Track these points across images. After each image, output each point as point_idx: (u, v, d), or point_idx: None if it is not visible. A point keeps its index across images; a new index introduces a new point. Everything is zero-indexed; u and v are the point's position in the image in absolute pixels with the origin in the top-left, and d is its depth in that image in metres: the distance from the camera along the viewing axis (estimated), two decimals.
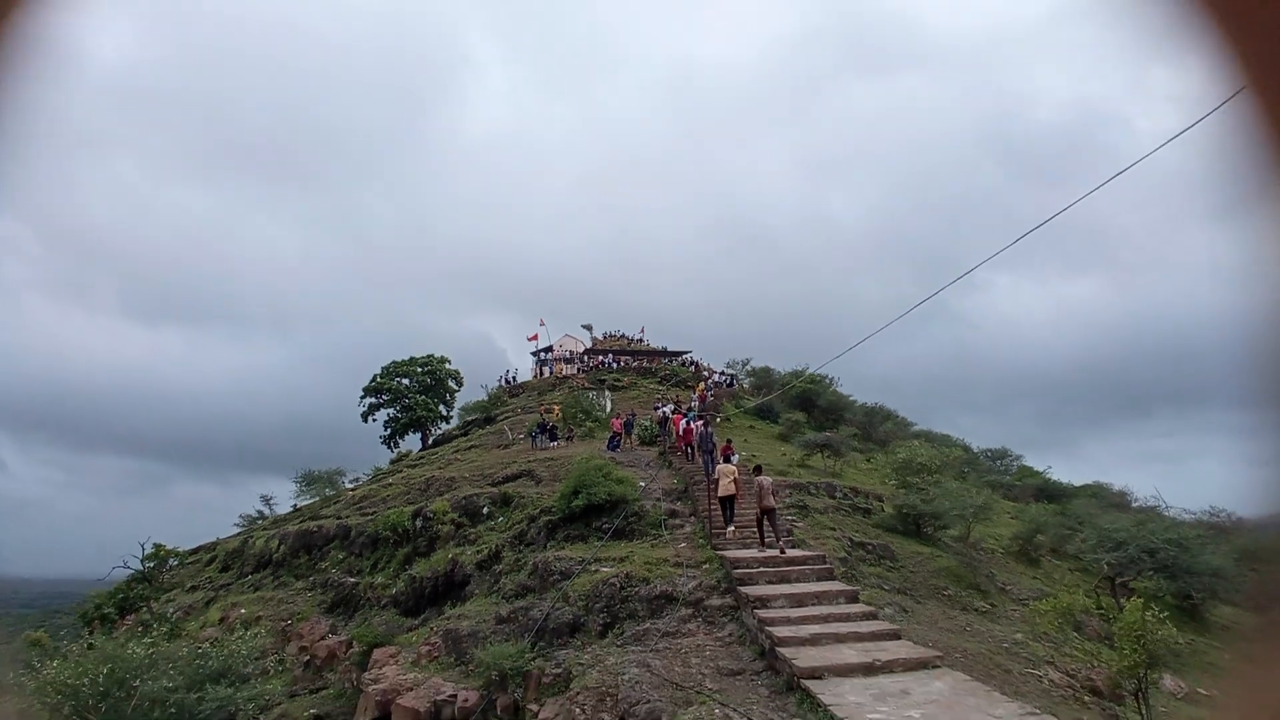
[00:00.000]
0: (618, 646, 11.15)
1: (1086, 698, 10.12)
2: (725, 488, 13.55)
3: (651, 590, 12.16)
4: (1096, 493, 27.82)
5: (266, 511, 34.33)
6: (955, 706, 7.68)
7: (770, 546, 12.73)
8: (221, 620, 19.68)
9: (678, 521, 15.36)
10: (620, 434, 23.81)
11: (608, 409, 31.48)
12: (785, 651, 9.30)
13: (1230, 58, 0.98)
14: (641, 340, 52.47)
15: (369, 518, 22.10)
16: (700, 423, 19.41)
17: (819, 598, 11.03)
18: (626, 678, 9.73)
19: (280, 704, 15.08)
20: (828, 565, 12.37)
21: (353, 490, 30.33)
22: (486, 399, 41.81)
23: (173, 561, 26.75)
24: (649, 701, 9.05)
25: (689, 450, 19.46)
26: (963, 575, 14.37)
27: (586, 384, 39.32)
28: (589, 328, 51.80)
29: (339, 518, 24.20)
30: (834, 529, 15.34)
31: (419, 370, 46.82)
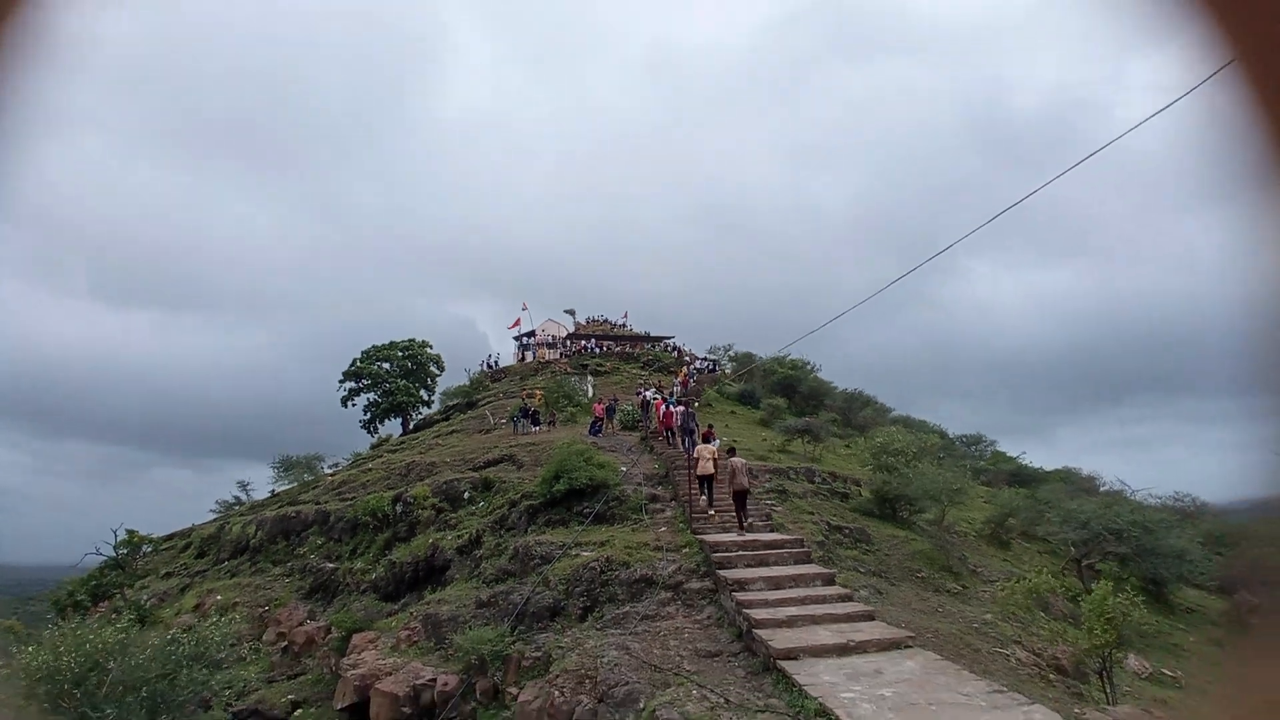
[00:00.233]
0: (597, 630, 11.24)
1: (1052, 676, 10.42)
2: (704, 467, 13.73)
3: (631, 574, 12.24)
4: (1066, 478, 28.55)
5: (243, 497, 33.96)
6: (926, 685, 7.86)
7: (746, 530, 12.89)
8: (197, 607, 19.47)
9: (658, 506, 15.45)
10: (602, 419, 23.83)
11: (590, 394, 31.46)
12: (762, 633, 9.44)
13: (1220, 29, 0.96)
14: (624, 325, 52.40)
15: (348, 503, 21.93)
16: (681, 407, 19.49)
17: (796, 580, 11.19)
18: (606, 660, 9.82)
19: (257, 690, 15.02)
20: (805, 549, 12.54)
21: (332, 475, 30.06)
22: (468, 384, 41.61)
23: (146, 548, 26.32)
24: (628, 683, 9.14)
25: (670, 435, 19.55)
26: (936, 558, 14.67)
27: (569, 369, 39.23)
28: (572, 312, 51.63)
29: (318, 503, 23.98)
30: (812, 513, 15.55)
31: (400, 354, 46.36)
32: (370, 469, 26.87)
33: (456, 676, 11.18)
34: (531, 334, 48.90)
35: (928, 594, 12.91)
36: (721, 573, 11.48)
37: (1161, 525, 16.58)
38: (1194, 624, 16.59)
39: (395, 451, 30.60)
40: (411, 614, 13.96)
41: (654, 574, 12.14)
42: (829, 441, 24.07)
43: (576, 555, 13.23)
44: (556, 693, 9.55)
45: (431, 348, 47.92)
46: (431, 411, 43.20)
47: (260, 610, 19.22)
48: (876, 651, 9.03)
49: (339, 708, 12.47)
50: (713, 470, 13.74)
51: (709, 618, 11.06)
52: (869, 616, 10.19)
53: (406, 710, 11.10)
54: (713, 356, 43.84)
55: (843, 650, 8.96)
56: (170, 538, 28.48)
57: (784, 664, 8.65)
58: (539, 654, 10.90)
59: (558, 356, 44.35)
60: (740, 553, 12.14)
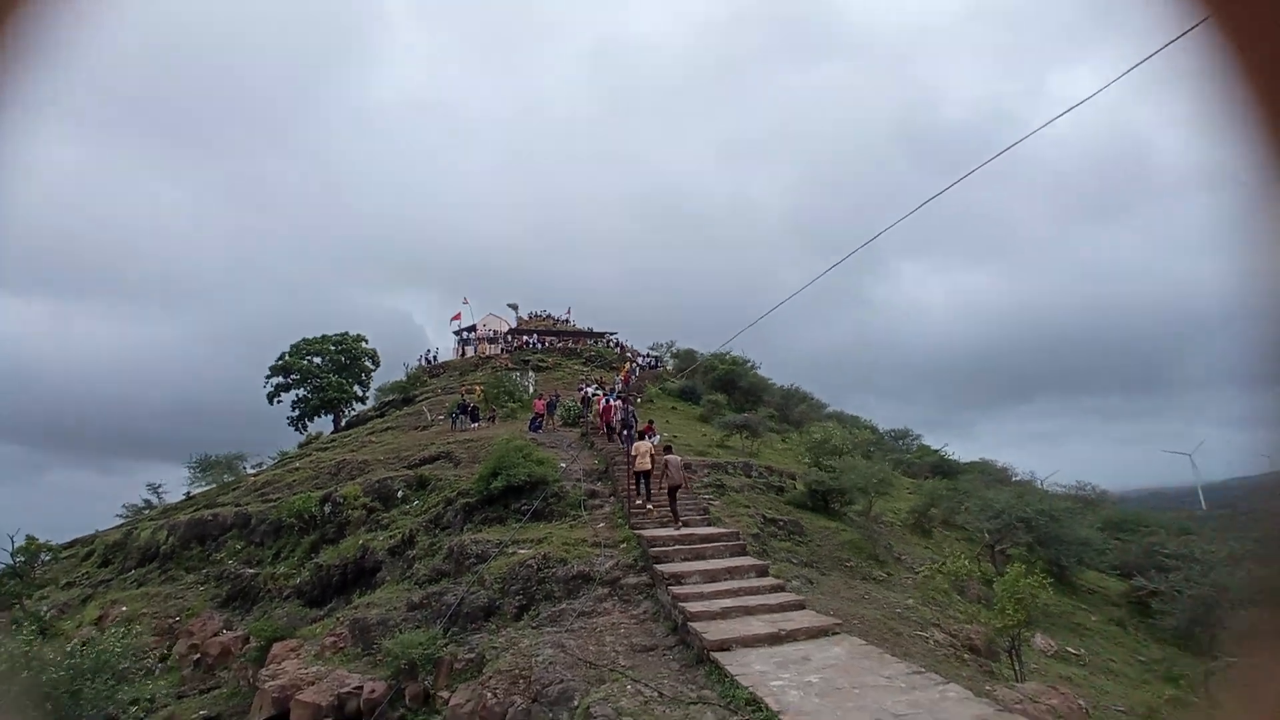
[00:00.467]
0: (533, 628, 11.10)
1: (966, 655, 11.02)
2: (641, 463, 13.81)
3: (569, 571, 12.16)
4: (983, 469, 30.28)
5: (155, 500, 31.85)
6: (850, 669, 8.16)
7: (683, 525, 13.04)
8: (100, 619, 18.09)
9: (597, 502, 15.41)
10: (543, 415, 23.57)
11: (531, 390, 31.04)
12: (697, 626, 9.56)
13: None
14: (567, 321, 51.95)
15: (272, 504, 20.86)
16: (620, 402, 19.52)
17: (731, 573, 11.38)
18: (540, 659, 9.70)
19: (167, 705, 14.13)
20: (741, 541, 12.78)
21: (255, 476, 28.53)
22: (405, 379, 40.35)
23: (45, 556, 24.26)
24: (562, 681, 9.07)
25: (611, 431, 19.54)
26: (864, 547, 15.25)
27: (510, 364, 38.59)
28: (514, 307, 50.79)
29: (238, 505, 22.71)
30: (748, 506, 15.87)
31: (333, 349, 44.47)
32: (297, 468, 25.64)
33: (384, 683, 10.80)
34: (472, 328, 47.82)
35: (855, 582, 13.41)
36: (658, 567, 11.55)
37: (1066, 514, 17.82)
38: (1095, 605, 17.90)
39: (325, 450, 29.31)
40: (338, 619, 13.39)
41: (591, 570, 12.09)
42: (766, 437, 24.62)
43: (513, 553, 13.02)
44: (489, 694, 9.37)
45: (367, 342, 46.22)
46: (366, 408, 41.65)
47: (171, 621, 18.07)
48: (806, 639, 9.29)
49: None
50: (649, 466, 13.84)
51: (645, 612, 11.11)
52: (800, 606, 10.47)
53: None
54: (655, 353, 44.10)
55: (774, 639, 9.17)
56: (71, 545, 26.34)
57: (717, 655, 8.78)
58: (472, 655, 10.66)
59: (499, 352, 43.55)
60: (677, 547, 12.26)
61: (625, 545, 12.89)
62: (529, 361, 39.19)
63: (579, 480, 16.36)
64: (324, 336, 44.83)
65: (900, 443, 35.71)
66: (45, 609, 20.00)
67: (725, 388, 32.35)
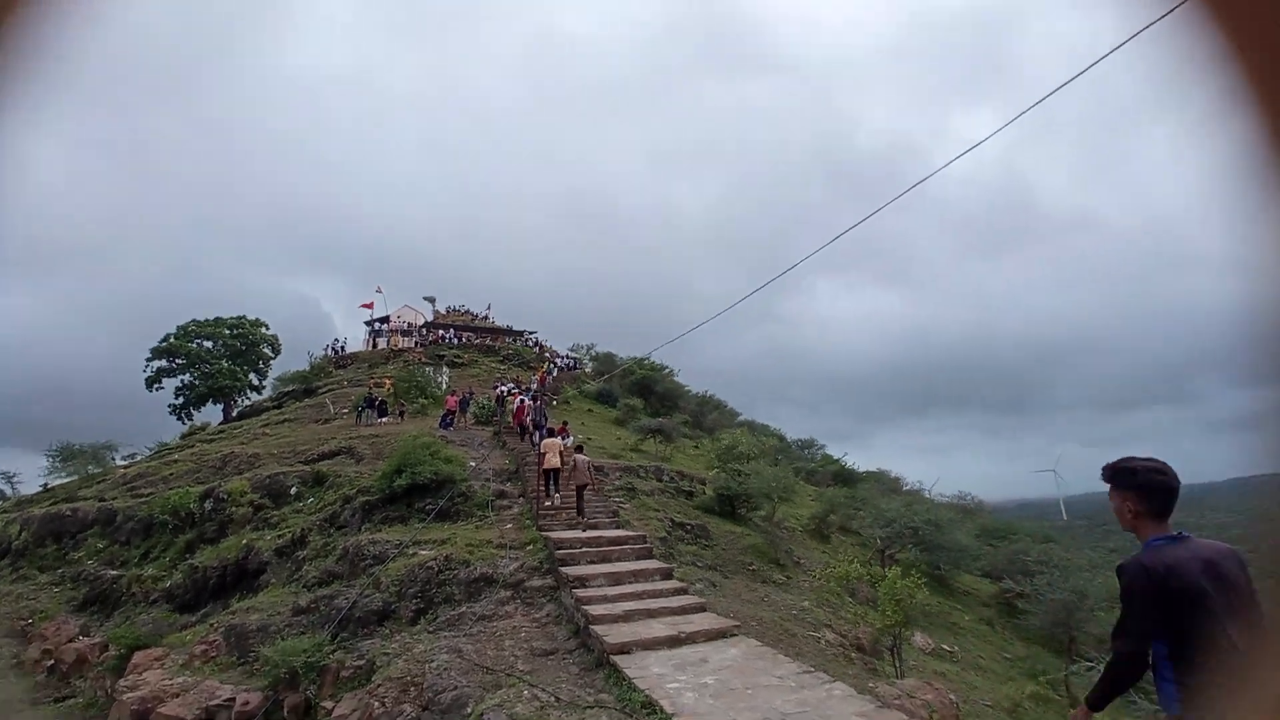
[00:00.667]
0: (429, 633, 10.69)
1: (854, 655, 11.63)
2: (550, 461, 13.73)
3: (471, 573, 11.82)
4: (879, 479, 32.19)
5: (7, 491, 28.35)
6: (745, 670, 8.41)
7: (591, 527, 13.02)
8: None
9: (506, 503, 15.09)
10: (454, 412, 22.88)
11: (444, 385, 30.06)
12: (598, 629, 9.54)
13: None
14: (487, 318, 50.78)
15: (143, 500, 19.01)
16: (531, 399, 19.29)
17: (636, 576, 11.46)
18: (435, 665, 9.36)
19: (20, 712, 12.58)
20: (648, 545, 12.91)
21: (125, 468, 25.88)
22: (308, 368, 38.01)
23: None
24: (456, 688, 8.78)
25: (524, 430, 19.24)
26: (766, 551, 15.80)
27: (424, 359, 37.19)
28: (431, 300, 49.11)
29: (102, 499, 20.53)
30: (658, 510, 16.05)
31: (227, 333, 41.21)
32: (176, 461, 23.51)
33: (260, 693, 10.05)
34: (385, 319, 45.75)
35: (756, 585, 13.85)
36: (564, 569, 11.46)
37: (948, 522, 19.24)
38: (969, 605, 19.42)
39: (211, 441, 27.08)
40: (212, 625, 12.34)
41: (495, 572, 11.82)
42: (680, 442, 25.04)
43: (414, 554, 12.50)
44: (376, 703, 8.92)
45: (267, 327, 43.19)
46: (262, 398, 38.85)
47: (22, 624, 16.16)
48: (705, 641, 9.49)
49: None
50: (559, 463, 13.78)
51: (548, 615, 10.97)
52: (701, 608, 10.69)
53: None
54: (575, 354, 43.86)
55: (674, 642, 9.31)
56: None
57: (616, 658, 8.80)
58: (361, 662, 10.13)
59: (413, 345, 41.86)
60: (584, 549, 12.21)
61: (532, 547, 12.69)
62: (444, 357, 37.95)
63: (488, 480, 15.97)
64: (218, 319, 41.48)
65: (806, 451, 37.34)
66: None
67: (642, 392, 32.64)
